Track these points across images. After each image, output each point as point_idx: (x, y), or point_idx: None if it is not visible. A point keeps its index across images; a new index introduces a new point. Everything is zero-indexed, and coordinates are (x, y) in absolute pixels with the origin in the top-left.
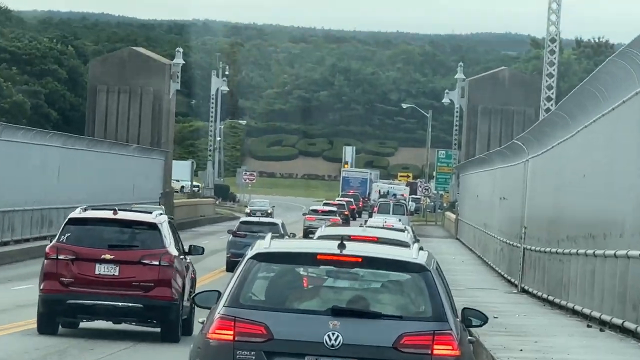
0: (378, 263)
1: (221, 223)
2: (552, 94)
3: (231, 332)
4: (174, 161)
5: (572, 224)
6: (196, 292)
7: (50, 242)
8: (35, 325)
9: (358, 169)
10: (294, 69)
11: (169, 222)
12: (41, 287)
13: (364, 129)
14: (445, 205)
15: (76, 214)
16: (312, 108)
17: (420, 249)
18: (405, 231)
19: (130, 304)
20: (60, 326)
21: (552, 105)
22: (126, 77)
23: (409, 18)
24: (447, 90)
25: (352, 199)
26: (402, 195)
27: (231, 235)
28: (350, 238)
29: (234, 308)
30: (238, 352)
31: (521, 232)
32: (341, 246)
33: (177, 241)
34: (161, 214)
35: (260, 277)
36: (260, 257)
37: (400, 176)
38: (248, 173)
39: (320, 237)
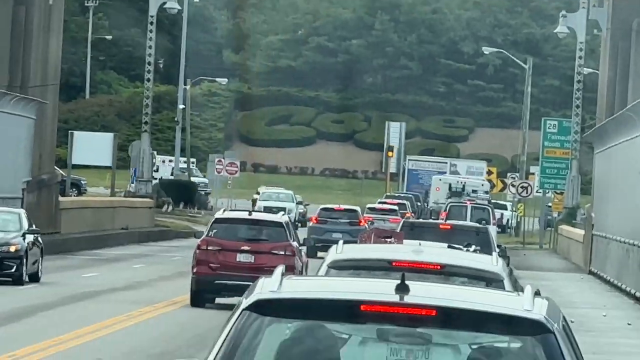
0: (466, 319)
1: (158, 244)
2: None
3: None
4: (83, 133)
5: None
6: None
7: (195, 236)
8: (186, 302)
9: (432, 158)
10: (311, 4)
11: (290, 222)
12: (194, 271)
13: (419, 98)
14: (556, 215)
15: (220, 214)
16: (340, 66)
17: (536, 293)
18: (493, 253)
19: None
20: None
21: None
22: None
23: None
24: (563, 13)
25: (407, 201)
26: (486, 192)
27: (311, 222)
28: (391, 265)
29: None
30: None
31: None
32: (402, 289)
33: (296, 235)
34: (284, 214)
35: (262, 342)
36: (263, 307)
37: None
38: (227, 162)
39: (334, 265)
